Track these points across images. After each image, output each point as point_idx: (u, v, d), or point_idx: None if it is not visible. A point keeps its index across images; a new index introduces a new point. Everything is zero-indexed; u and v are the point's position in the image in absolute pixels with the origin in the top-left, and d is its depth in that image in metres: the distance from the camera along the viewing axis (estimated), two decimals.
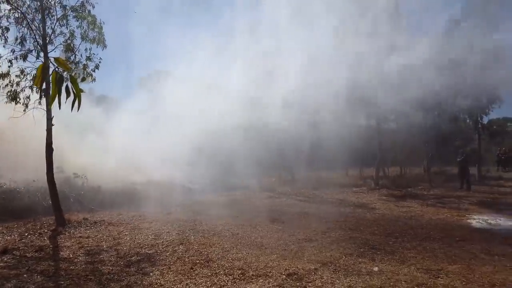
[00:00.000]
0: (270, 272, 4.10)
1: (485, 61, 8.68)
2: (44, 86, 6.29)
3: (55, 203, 6.50)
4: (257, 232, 6.17)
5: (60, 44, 6.56)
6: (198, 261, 4.50)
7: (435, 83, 9.76)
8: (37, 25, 6.39)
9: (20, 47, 6.28)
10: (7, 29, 6.24)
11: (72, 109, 6.25)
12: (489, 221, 7.26)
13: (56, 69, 6.23)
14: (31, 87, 6.36)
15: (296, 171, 15.25)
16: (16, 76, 6.28)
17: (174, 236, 5.83)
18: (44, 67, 6.24)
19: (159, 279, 3.94)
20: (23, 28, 6.30)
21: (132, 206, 8.94)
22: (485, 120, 15.58)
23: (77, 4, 6.53)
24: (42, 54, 6.36)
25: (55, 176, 6.60)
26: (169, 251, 4.96)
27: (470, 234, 6.09)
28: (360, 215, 8.02)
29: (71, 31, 6.56)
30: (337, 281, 3.83)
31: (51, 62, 6.26)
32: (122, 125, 12.25)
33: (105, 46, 6.86)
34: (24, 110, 6.36)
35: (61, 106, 6.14)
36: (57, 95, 6.08)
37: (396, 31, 9.64)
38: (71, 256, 4.75)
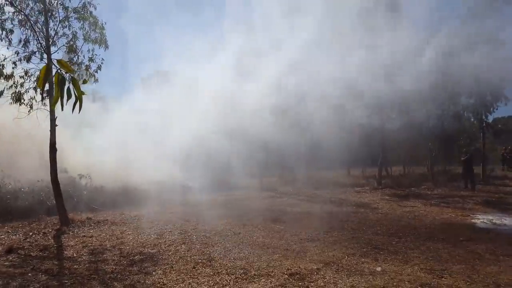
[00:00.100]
0: (272, 271, 4.10)
1: (490, 58, 8.54)
2: (47, 87, 6.34)
3: (59, 203, 6.57)
4: (259, 231, 6.17)
5: (63, 45, 6.64)
6: (200, 261, 4.51)
7: (438, 81, 9.65)
8: (40, 27, 6.47)
9: (24, 49, 6.37)
10: (11, 31, 6.32)
11: (73, 110, 6.28)
12: (494, 220, 7.19)
13: (59, 70, 6.27)
14: (35, 88, 6.43)
15: (298, 171, 15.20)
16: (20, 77, 6.36)
17: (176, 235, 5.85)
18: (47, 69, 6.26)
19: (161, 278, 3.96)
20: (26, 30, 6.40)
21: (134, 206, 9.00)
22: (490, 118, 15.31)
23: (79, 6, 6.59)
24: (45, 55, 6.42)
25: (58, 176, 6.67)
26: (172, 251, 4.98)
27: (475, 234, 6.03)
28: (362, 215, 7.98)
29: (74, 33, 6.63)
30: (339, 281, 3.81)
31: (53, 64, 6.30)
32: (122, 125, 12.28)
33: (107, 47, 6.91)
34: (29, 111, 6.43)
35: (63, 108, 6.18)
36: (59, 97, 6.12)
37: (394, 26, 9.52)
38: (75, 255, 4.80)
